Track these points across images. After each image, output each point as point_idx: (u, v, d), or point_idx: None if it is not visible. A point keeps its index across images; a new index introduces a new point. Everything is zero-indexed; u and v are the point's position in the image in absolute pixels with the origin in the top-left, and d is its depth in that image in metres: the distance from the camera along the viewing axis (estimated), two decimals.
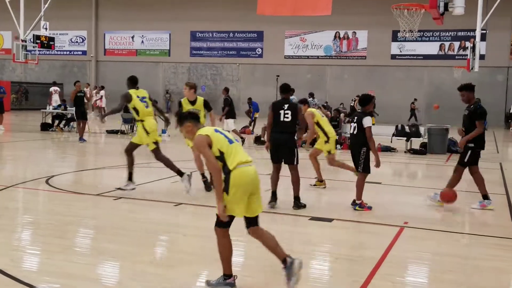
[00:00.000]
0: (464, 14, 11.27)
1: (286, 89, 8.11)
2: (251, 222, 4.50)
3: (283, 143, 7.71)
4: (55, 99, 26.31)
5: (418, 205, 8.59)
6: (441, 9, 9.95)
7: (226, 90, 17.27)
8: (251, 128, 20.93)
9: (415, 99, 30.59)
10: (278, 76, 29.79)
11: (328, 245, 6.15)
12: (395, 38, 31.79)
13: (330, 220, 7.18)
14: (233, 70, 36.03)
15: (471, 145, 7.99)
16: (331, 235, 6.64)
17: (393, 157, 15.24)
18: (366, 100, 7.97)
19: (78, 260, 5.20)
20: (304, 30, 33.92)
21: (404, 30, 11.93)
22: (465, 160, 8.07)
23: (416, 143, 16.39)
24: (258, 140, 17.13)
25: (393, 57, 32.83)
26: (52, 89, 29.67)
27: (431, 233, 6.76)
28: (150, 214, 7.32)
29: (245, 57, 35.57)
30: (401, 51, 32.60)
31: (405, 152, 15.93)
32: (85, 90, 26.45)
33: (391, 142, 16.29)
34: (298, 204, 7.78)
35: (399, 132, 16.57)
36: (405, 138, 16.35)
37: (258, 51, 35.36)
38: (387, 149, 15.96)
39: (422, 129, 16.52)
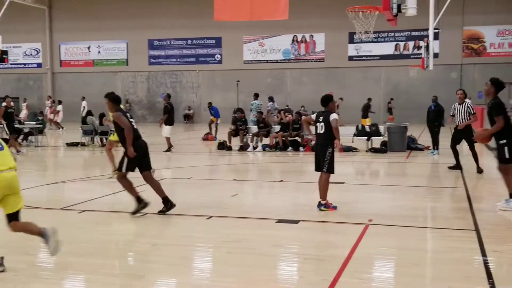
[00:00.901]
0: (417, 14, 11.58)
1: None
2: (11, 218, 5.36)
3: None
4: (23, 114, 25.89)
5: (381, 203, 8.78)
6: (395, 11, 10.22)
7: (168, 96, 17.39)
8: (213, 134, 20.89)
9: (392, 99, 31.22)
10: (238, 81, 29.89)
11: (296, 246, 6.23)
12: (351, 40, 32.32)
13: (296, 221, 7.27)
14: (193, 77, 35.92)
15: (503, 141, 7.82)
16: (298, 236, 6.72)
17: (355, 156, 15.52)
18: (328, 100, 8.11)
19: (44, 276, 5.13)
20: (262, 35, 34.13)
21: (360, 32, 12.20)
22: (506, 156, 7.81)
23: (376, 142, 16.72)
24: (222, 146, 17.15)
25: (351, 58, 33.36)
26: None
27: (395, 229, 6.94)
28: (116, 225, 7.26)
29: (204, 64, 35.53)
30: (358, 52, 33.16)
31: (366, 151, 16.23)
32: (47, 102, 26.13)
33: (352, 142, 16.58)
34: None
35: (360, 132, 16.88)
36: (366, 138, 16.67)
37: (217, 57, 35.37)
38: (349, 149, 16.23)
39: (381, 128, 16.87)
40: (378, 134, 16.72)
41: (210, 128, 21.29)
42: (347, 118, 26.36)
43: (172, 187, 10.92)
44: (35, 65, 38.64)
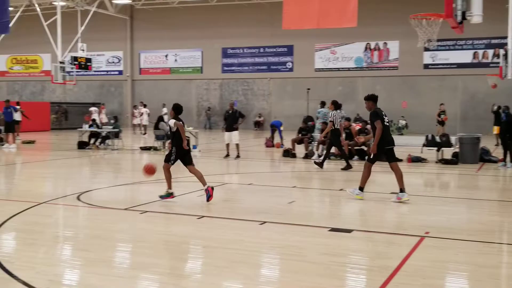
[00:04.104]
0: (499, 21, 11.11)
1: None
2: None
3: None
4: (96, 118, 27.33)
5: (442, 215, 8.52)
6: (459, 18, 9.86)
7: (233, 104, 17.42)
8: (279, 141, 21.01)
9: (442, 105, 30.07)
10: (308, 89, 29.86)
11: (345, 255, 6.19)
12: (427, 48, 31.48)
13: (349, 231, 7.22)
14: (264, 85, 36.31)
15: None
16: (349, 245, 6.68)
17: (424, 167, 15.10)
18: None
19: (102, 272, 5.41)
20: (334, 43, 33.97)
21: (423, 40, 11.90)
22: None
23: (448, 153, 16.19)
24: (287, 153, 17.25)
25: (426, 66, 32.47)
26: (92, 108, 30.73)
27: (451, 243, 6.73)
28: (174, 227, 7.53)
29: (275, 72, 35.84)
30: (433, 60, 32.22)
31: (436, 162, 15.75)
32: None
33: (422, 152, 16.14)
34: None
35: (430, 142, 16.41)
36: (436, 148, 16.18)
37: (288, 65, 35.56)
38: (417, 159, 15.82)
39: (453, 139, 16.31)
40: (449, 144, 16.18)
41: (273, 137, 21.61)
42: (419, 127, 25.67)
43: (232, 192, 11.16)
44: (117, 73, 40.50)
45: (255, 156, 18.61)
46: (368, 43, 33.59)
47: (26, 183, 12.40)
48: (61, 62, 28.37)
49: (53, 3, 32.63)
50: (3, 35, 27.62)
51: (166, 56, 38.87)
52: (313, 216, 8.55)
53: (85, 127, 21.66)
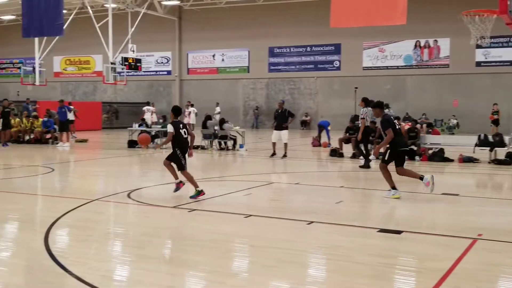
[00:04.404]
0: None
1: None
2: None
3: None
4: (147, 117, 27.99)
5: (496, 217, 8.26)
6: None
7: (283, 102, 17.46)
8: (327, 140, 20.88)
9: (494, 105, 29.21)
10: (356, 88, 29.55)
11: (394, 257, 6.09)
12: (479, 45, 30.56)
13: (399, 232, 7.10)
14: (310, 84, 36.15)
15: None
16: (398, 247, 6.57)
17: (476, 168, 14.68)
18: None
19: (151, 269, 5.52)
20: (383, 41, 33.45)
21: (476, 37, 11.53)
22: None
23: (501, 153, 15.66)
24: (334, 153, 17.12)
25: (478, 64, 31.54)
26: (145, 108, 31.41)
27: (506, 245, 6.51)
28: (221, 225, 7.59)
29: (322, 70, 35.61)
30: (486, 58, 31.26)
31: (488, 162, 15.27)
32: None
33: (474, 152, 15.69)
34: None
35: (482, 142, 15.92)
36: (489, 148, 15.68)
37: (335, 64, 35.26)
38: (469, 159, 15.39)
39: (506, 139, 15.77)
40: (502, 144, 15.66)
41: (320, 136, 21.47)
42: (471, 126, 24.96)
43: (279, 192, 11.16)
44: (165, 73, 41.22)
45: (302, 155, 18.54)
46: (417, 40, 32.91)
47: (79, 181, 12.78)
48: (112, 63, 29.11)
49: (104, 5, 33.49)
50: (57, 37, 28.57)
51: (214, 56, 39.26)
52: (361, 217, 8.45)
53: (135, 126, 22.11)
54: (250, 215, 8.02)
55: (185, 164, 9.38)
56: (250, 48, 37.74)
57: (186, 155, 9.50)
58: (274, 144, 16.79)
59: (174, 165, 9.50)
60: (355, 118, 19.42)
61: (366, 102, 14.65)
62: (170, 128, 9.40)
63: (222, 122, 19.78)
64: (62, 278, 5.19)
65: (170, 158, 9.54)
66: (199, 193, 9.29)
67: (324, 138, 21.32)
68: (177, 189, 9.48)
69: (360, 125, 15.02)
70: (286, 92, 36.73)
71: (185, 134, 9.47)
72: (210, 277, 5.27)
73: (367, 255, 6.04)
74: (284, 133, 16.53)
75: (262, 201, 9.11)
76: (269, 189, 11.08)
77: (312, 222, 7.59)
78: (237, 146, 19.39)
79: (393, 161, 9.47)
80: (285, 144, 16.57)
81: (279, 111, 16.74)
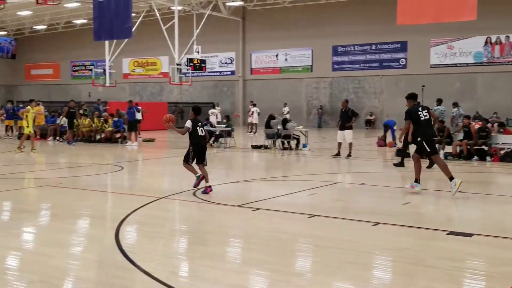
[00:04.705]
0: None
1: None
2: None
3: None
4: (213, 120, 28.58)
5: None
6: None
7: (347, 102, 17.23)
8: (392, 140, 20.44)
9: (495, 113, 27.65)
10: (423, 86, 28.72)
11: (464, 260, 5.88)
12: None
13: (470, 235, 6.85)
14: (375, 82, 35.49)
15: None
16: (469, 250, 6.33)
17: None
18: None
19: (216, 266, 5.60)
20: (452, 37, 32.36)
21: None
22: None
23: None
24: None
25: None
26: (210, 111, 31.95)
27: None
28: (285, 225, 7.60)
29: (388, 69, 34.88)
30: None
31: None
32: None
33: None
34: None
35: None
36: None
37: (401, 62, 34.45)
38: None
39: None
40: None
41: (385, 136, 21.03)
42: None
43: (343, 192, 11.03)
44: (229, 73, 41.69)
45: (367, 155, 18.25)
46: (488, 37, 31.60)
47: (147, 179, 13.16)
48: (178, 64, 29.77)
49: (171, 8, 34.31)
50: (126, 40, 29.54)
51: (277, 55, 39.33)
52: (430, 219, 8.21)
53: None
54: (314, 215, 7.97)
55: (192, 160, 9.96)
56: (314, 47, 37.53)
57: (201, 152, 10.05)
58: (339, 144, 16.59)
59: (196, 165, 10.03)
60: None
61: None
62: (188, 124, 9.93)
63: (285, 121, 19.80)
64: (132, 273, 5.35)
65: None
66: (198, 178, 9.80)
67: (389, 138, 20.89)
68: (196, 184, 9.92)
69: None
70: (350, 91, 36.25)
71: (202, 132, 10.00)
72: (274, 276, 5.28)
73: (437, 258, 5.86)
74: (348, 132, 16.32)
75: (326, 201, 9.04)
76: (334, 189, 10.97)
77: (378, 223, 7.45)
78: (300, 146, 19.34)
79: (426, 152, 10.06)
80: (350, 144, 16.36)
81: (343, 110, 16.55)
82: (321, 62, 37.22)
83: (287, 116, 31.82)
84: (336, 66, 36.83)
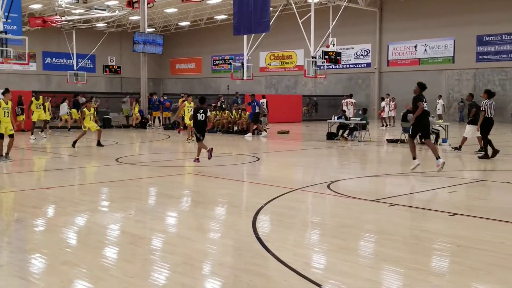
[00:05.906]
0: None
1: None
2: None
3: None
4: (350, 110, 28.47)
5: None
6: None
7: (471, 95, 16.87)
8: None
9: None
10: None
11: None
12: None
13: None
14: None
15: None
16: None
17: None
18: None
19: (352, 260, 5.56)
20: None
21: None
22: None
23: None
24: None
25: None
26: (344, 101, 31.74)
27: None
28: (423, 222, 7.31)
29: None
30: None
31: None
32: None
33: None
34: None
35: None
36: None
37: None
38: None
39: None
40: None
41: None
42: None
43: (487, 190, 10.33)
44: (364, 65, 40.91)
45: None
46: None
47: (281, 170, 13.40)
48: (313, 57, 29.84)
49: (307, 1, 34.44)
50: (263, 34, 30.25)
51: (415, 46, 37.78)
52: None
53: (334, 118, 22.40)
54: (456, 214, 7.57)
55: (200, 137, 12.82)
56: (456, 36, 35.44)
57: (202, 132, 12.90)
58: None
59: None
60: None
61: (489, 94, 14.55)
62: (192, 111, 13.35)
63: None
64: (268, 261, 5.50)
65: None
66: (208, 151, 12.39)
67: None
68: (210, 156, 12.53)
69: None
70: (496, 83, 33.70)
71: (202, 117, 12.84)
72: (413, 275, 5.11)
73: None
74: (467, 127, 15.78)
75: (468, 199, 8.53)
76: (477, 187, 10.32)
77: None
78: (440, 141, 18.43)
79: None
80: (463, 138, 16.03)
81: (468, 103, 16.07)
82: (464, 52, 35.04)
83: (439, 110, 30.57)
84: (480, 57, 34.45)
